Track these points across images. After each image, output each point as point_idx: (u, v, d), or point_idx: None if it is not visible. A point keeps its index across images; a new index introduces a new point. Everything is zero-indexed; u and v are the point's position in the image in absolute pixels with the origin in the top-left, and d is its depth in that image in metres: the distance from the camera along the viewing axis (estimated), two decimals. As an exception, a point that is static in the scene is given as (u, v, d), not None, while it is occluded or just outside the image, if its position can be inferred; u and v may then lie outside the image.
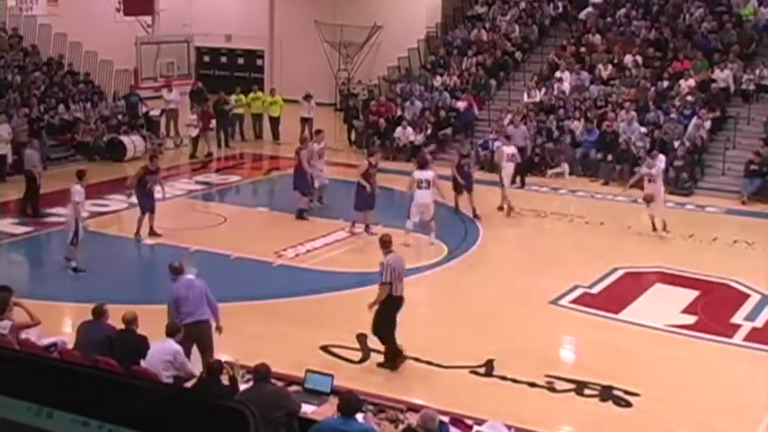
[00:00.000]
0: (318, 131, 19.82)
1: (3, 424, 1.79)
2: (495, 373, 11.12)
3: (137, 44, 29.07)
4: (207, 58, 34.23)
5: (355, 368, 11.17)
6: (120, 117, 24.50)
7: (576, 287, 14.30)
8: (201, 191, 21.20)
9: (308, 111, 25.60)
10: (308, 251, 16.03)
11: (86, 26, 27.54)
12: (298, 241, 16.43)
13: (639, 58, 24.54)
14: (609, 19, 26.78)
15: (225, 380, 8.62)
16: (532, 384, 10.77)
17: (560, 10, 27.95)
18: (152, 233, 16.39)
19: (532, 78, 25.34)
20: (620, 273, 15.18)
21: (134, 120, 24.82)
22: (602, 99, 23.73)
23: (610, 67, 24.70)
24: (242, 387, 8.56)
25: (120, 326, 9.65)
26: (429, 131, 24.03)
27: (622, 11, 26.67)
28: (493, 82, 25.94)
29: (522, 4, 28.32)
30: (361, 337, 11.91)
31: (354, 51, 30.58)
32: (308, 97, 25.64)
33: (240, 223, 18.33)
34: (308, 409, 8.51)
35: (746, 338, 12.59)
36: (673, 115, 22.37)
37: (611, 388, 10.72)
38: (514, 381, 10.87)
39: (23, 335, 9.78)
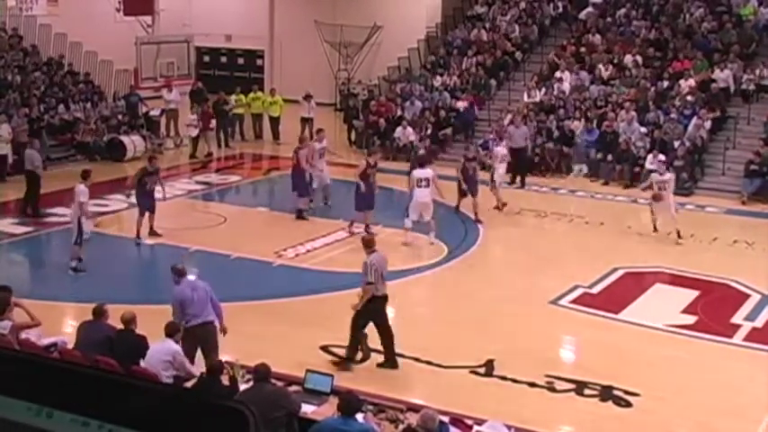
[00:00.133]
0: (319, 131, 19.77)
1: (3, 424, 1.79)
2: (495, 373, 11.12)
3: (137, 44, 29.08)
4: (207, 58, 34.23)
5: (355, 368, 11.16)
6: (120, 117, 24.51)
7: (576, 287, 14.30)
8: (201, 191, 21.21)
9: (309, 111, 25.61)
10: (308, 251, 16.03)
11: (86, 26, 27.54)
12: (298, 241, 16.43)
13: (639, 58, 24.54)
14: (609, 19, 26.78)
15: (225, 380, 8.62)
16: (532, 384, 10.77)
17: (560, 10, 27.95)
18: (152, 233, 16.39)
19: (532, 78, 25.34)
20: (620, 273, 15.18)
21: (134, 120, 24.82)
22: (602, 99, 23.73)
23: (610, 67, 24.70)
24: (242, 387, 8.56)
25: (120, 326, 9.65)
26: (429, 131, 24.03)
27: (622, 11, 26.67)
28: (493, 82, 25.94)
29: (522, 4, 28.32)
30: (362, 338, 11.91)
31: (354, 51, 30.59)
32: (308, 97, 25.64)
33: (240, 223, 18.33)
34: (307, 409, 8.52)
35: (746, 338, 12.59)
36: (673, 115, 22.37)
37: (611, 388, 10.72)
38: (514, 381, 10.86)
39: (23, 335, 9.79)
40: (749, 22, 24.85)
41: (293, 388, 9.00)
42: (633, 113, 22.37)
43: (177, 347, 9.27)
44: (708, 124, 21.89)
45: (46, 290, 13.72)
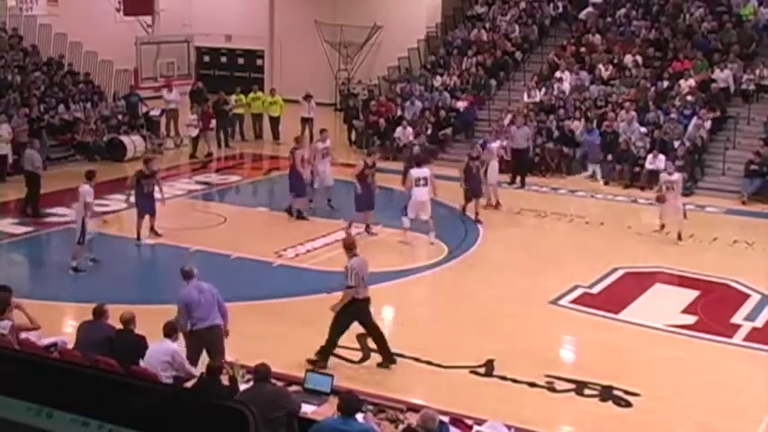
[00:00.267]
0: (323, 131, 19.60)
1: (3, 424, 1.79)
2: (495, 373, 11.12)
3: (137, 44, 29.09)
4: (207, 58, 34.23)
5: (355, 368, 11.16)
6: (120, 117, 24.51)
7: (576, 287, 14.30)
8: (201, 191, 21.21)
9: (309, 111, 25.61)
10: (308, 251, 16.02)
11: (86, 26, 27.55)
12: (298, 241, 16.43)
13: (639, 58, 24.54)
14: (609, 19, 26.78)
15: (225, 380, 8.62)
16: (532, 384, 10.77)
17: (560, 10, 27.95)
18: (152, 231, 16.37)
19: (532, 78, 25.34)
20: (620, 273, 15.17)
21: (134, 120, 24.82)
22: (602, 99, 23.73)
23: (610, 67, 24.70)
24: (242, 387, 8.56)
25: (120, 326, 9.65)
26: (429, 131, 24.03)
27: (622, 11, 26.67)
28: (493, 82, 25.94)
29: (522, 4, 28.31)
30: (361, 338, 11.90)
31: (354, 51, 30.59)
32: (308, 97, 25.65)
33: (240, 223, 18.33)
34: (307, 409, 8.52)
35: (746, 338, 12.59)
36: (673, 115, 22.37)
37: (611, 388, 10.72)
38: (514, 381, 10.86)
39: (23, 335, 9.79)
40: (749, 22, 24.86)
41: (293, 388, 9.00)
42: (633, 113, 22.37)
43: (176, 347, 9.26)
44: (708, 124, 21.89)
45: (46, 290, 13.73)
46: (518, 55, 26.84)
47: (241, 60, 33.99)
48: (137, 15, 30.07)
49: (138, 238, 16.21)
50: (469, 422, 8.69)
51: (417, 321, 13.20)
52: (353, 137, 25.87)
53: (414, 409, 8.63)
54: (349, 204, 17.21)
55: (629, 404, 10.43)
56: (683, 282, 14.89)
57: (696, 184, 21.04)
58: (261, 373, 8.30)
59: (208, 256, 15.39)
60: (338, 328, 10.99)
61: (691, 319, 13.16)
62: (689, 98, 22.65)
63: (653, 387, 10.83)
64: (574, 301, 13.80)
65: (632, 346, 12.24)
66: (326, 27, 30.61)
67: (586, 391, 10.70)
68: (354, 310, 10.94)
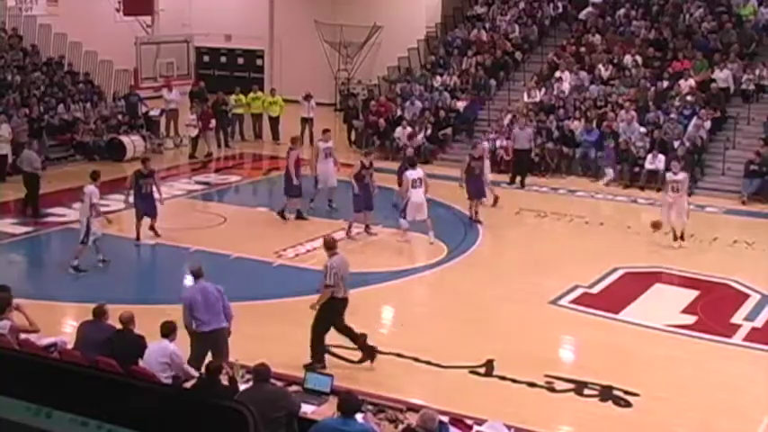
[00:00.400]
0: (326, 131, 19.48)
1: (2, 424, 1.79)
2: (494, 373, 11.12)
3: (136, 44, 29.09)
4: (206, 58, 34.22)
5: (355, 368, 11.16)
6: (119, 117, 24.50)
7: (575, 287, 14.30)
8: (201, 191, 21.20)
9: (308, 111, 25.60)
10: (308, 251, 16.00)
11: (86, 26, 27.56)
12: (298, 241, 16.42)
13: (639, 58, 24.54)
14: (609, 19, 26.77)
15: (224, 380, 8.61)
16: (532, 384, 10.77)
17: (560, 10, 27.93)
18: (152, 230, 16.32)
19: (532, 78, 25.34)
20: (619, 273, 15.17)
21: (134, 120, 24.82)
22: (601, 99, 23.72)
23: (610, 67, 24.69)
24: (242, 387, 8.55)
25: (119, 326, 9.64)
26: (429, 131, 24.03)
27: (622, 11, 26.66)
28: (493, 82, 25.92)
29: (522, 4, 28.30)
30: (361, 337, 11.91)
31: (354, 51, 30.59)
32: (308, 97, 25.64)
33: (240, 223, 18.32)
34: (307, 409, 8.52)
35: (746, 338, 12.58)
36: (672, 115, 22.37)
37: (610, 388, 10.72)
38: (514, 381, 10.86)
39: (22, 336, 9.78)
40: (749, 22, 24.85)
41: (293, 388, 9.00)
42: (633, 113, 22.36)
43: (174, 348, 9.23)
44: (708, 124, 21.88)
45: (46, 290, 13.73)
46: (518, 55, 26.83)
47: (241, 60, 33.98)
48: (136, 15, 30.08)
49: (138, 239, 16.19)
50: (469, 422, 8.69)
51: (417, 321, 13.20)
52: (353, 137, 25.85)
53: (413, 409, 8.63)
54: (348, 204, 17.19)
55: (628, 404, 10.43)
56: (682, 282, 14.89)
57: (696, 184, 21.02)
58: (260, 374, 8.30)
59: (208, 256, 15.36)
60: (320, 328, 10.98)
61: (690, 319, 13.16)
62: (689, 98, 22.64)
63: (652, 387, 10.83)
64: (574, 301, 13.79)
65: (632, 346, 12.24)
66: (326, 27, 30.60)
67: (586, 391, 10.69)
68: (334, 309, 10.94)
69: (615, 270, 15.21)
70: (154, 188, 16.32)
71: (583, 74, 24.72)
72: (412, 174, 16.55)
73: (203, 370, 9.01)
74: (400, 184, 17.22)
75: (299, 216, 17.86)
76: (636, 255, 16.09)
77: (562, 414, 10.46)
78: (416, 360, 11.36)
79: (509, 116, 23.40)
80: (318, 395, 8.85)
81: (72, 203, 18.26)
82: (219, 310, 10.10)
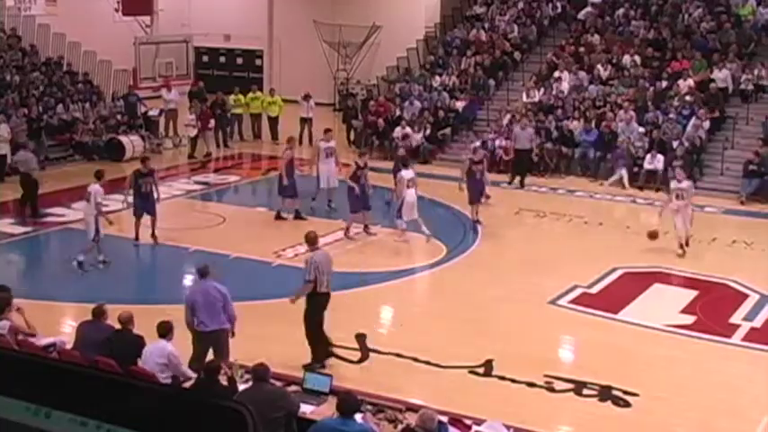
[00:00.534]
0: (327, 130, 19.43)
1: (2, 424, 1.79)
2: (493, 373, 11.12)
3: (135, 44, 29.07)
4: (205, 58, 34.20)
5: (354, 368, 11.16)
6: (118, 117, 24.49)
7: (574, 287, 14.30)
8: (200, 191, 21.19)
9: (308, 111, 25.61)
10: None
11: (85, 26, 27.54)
12: (297, 241, 16.36)
13: (638, 58, 24.55)
14: (608, 19, 26.78)
15: (223, 380, 8.60)
16: (531, 384, 10.77)
17: (559, 10, 27.93)
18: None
19: (531, 78, 25.34)
20: (618, 272, 15.17)
21: (133, 120, 24.81)
22: (600, 99, 23.73)
23: (609, 67, 24.70)
24: (241, 387, 8.55)
25: (118, 326, 9.64)
26: (428, 131, 24.04)
27: (621, 11, 26.66)
28: (492, 82, 25.93)
29: (521, 5, 28.31)
30: (360, 337, 11.93)
31: (353, 51, 30.59)
32: (307, 97, 25.64)
33: (239, 223, 18.32)
34: (306, 409, 8.52)
35: (745, 338, 12.59)
36: (671, 115, 22.37)
37: (609, 388, 10.72)
38: (513, 381, 10.86)
39: (20, 336, 9.77)
40: (748, 22, 24.86)
41: (292, 388, 9.00)
42: (632, 113, 22.37)
43: (171, 349, 9.22)
44: (706, 124, 21.89)
45: (45, 290, 13.72)
46: (517, 55, 26.83)
47: (240, 60, 33.97)
48: (135, 15, 30.06)
49: (137, 239, 16.18)
50: (468, 422, 8.69)
51: (416, 321, 13.20)
52: (352, 137, 25.85)
53: (412, 409, 8.63)
54: (347, 205, 17.17)
55: (627, 404, 10.44)
56: (681, 282, 14.90)
57: (695, 184, 21.02)
58: (260, 374, 8.30)
59: (207, 256, 15.34)
60: (311, 326, 11.01)
61: (689, 319, 13.17)
62: (687, 98, 22.65)
63: (652, 387, 10.83)
64: (573, 301, 13.80)
65: (631, 346, 12.24)
66: (325, 27, 30.61)
67: (585, 391, 10.70)
68: (318, 303, 10.98)
69: (614, 270, 15.21)
70: (153, 187, 16.28)
71: (582, 74, 24.73)
72: (407, 174, 16.58)
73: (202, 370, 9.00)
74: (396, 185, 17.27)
75: (298, 216, 17.85)
76: (635, 255, 16.08)
77: (561, 414, 10.47)
78: (416, 360, 11.37)
79: (508, 116, 23.41)
80: (317, 395, 8.84)
81: (71, 203, 18.27)
82: (219, 312, 10.11)
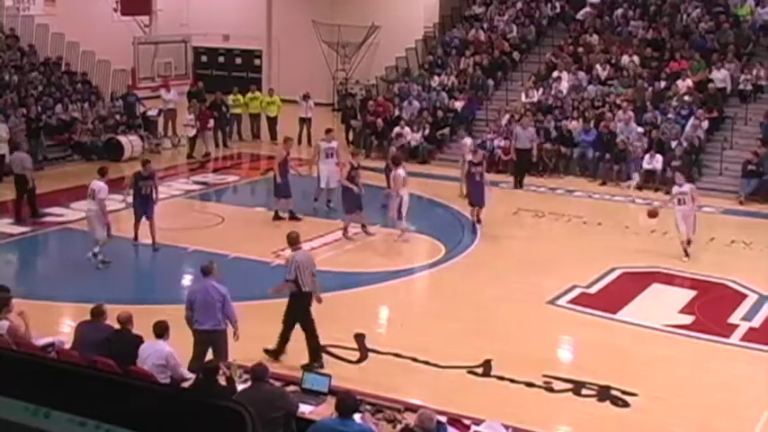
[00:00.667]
0: (329, 130, 19.38)
1: (0, 424, 1.79)
2: (492, 373, 11.12)
3: (134, 44, 29.04)
4: (204, 58, 34.21)
5: (353, 368, 11.17)
6: (117, 117, 24.48)
7: (573, 287, 14.30)
8: (199, 191, 21.19)
9: (307, 111, 25.62)
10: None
11: (84, 26, 27.53)
12: (296, 241, 16.38)
13: (637, 59, 24.56)
14: (606, 19, 26.79)
15: (222, 380, 8.60)
16: (530, 384, 10.77)
17: (558, 10, 27.95)
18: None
19: (530, 78, 25.35)
20: (617, 273, 15.18)
21: (131, 120, 24.80)
22: (599, 99, 23.74)
23: (607, 67, 24.71)
24: (240, 387, 8.55)
25: (117, 326, 9.64)
26: (427, 131, 24.04)
27: (620, 11, 26.68)
28: (490, 82, 25.94)
29: (520, 5, 28.32)
30: (359, 337, 11.93)
31: (352, 51, 30.60)
32: (306, 97, 25.65)
33: (238, 223, 18.31)
34: (305, 409, 8.52)
35: (744, 338, 12.59)
36: (670, 115, 22.39)
37: (608, 388, 10.72)
38: (512, 381, 10.86)
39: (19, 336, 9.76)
40: (746, 22, 24.87)
41: (291, 388, 9.00)
42: (631, 113, 22.38)
43: (170, 350, 9.20)
44: (705, 124, 21.90)
45: (44, 290, 13.71)
46: (515, 55, 26.84)
47: (239, 60, 33.98)
48: (134, 15, 30.04)
49: (136, 239, 16.17)
50: (467, 422, 8.70)
51: (415, 321, 13.20)
52: (351, 137, 25.86)
53: (411, 409, 8.63)
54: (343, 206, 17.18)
55: (626, 404, 10.44)
56: (680, 282, 14.90)
57: (693, 184, 21.03)
58: (258, 374, 8.30)
59: (205, 256, 15.32)
60: (307, 325, 11.03)
61: (688, 319, 13.17)
62: (686, 98, 22.66)
63: (650, 387, 10.84)
64: (571, 301, 13.80)
65: (630, 346, 12.24)
66: (324, 27, 30.61)
67: (584, 391, 10.70)
68: (303, 301, 11.08)
69: (613, 270, 15.22)
70: (153, 190, 16.21)
71: (580, 74, 24.74)
72: (402, 172, 16.63)
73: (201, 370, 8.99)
74: (389, 184, 17.27)
75: (293, 216, 17.80)
76: (633, 255, 16.10)
77: (560, 414, 10.47)
78: (414, 360, 11.37)
79: (507, 116, 23.41)
80: (316, 395, 8.85)
81: (69, 203, 18.26)
82: (216, 311, 10.12)
